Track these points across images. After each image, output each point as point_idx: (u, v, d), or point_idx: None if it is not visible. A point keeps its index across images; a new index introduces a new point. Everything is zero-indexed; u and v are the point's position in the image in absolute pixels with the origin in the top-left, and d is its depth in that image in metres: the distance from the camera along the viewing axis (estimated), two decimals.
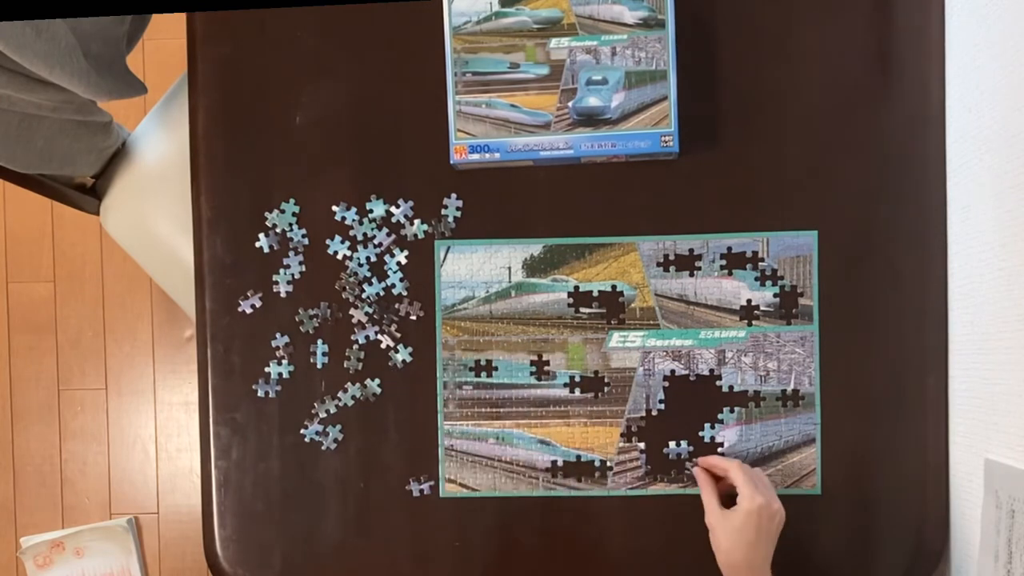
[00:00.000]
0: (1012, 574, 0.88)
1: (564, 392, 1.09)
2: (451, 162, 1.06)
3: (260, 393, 1.11)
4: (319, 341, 1.11)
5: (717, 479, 1.03)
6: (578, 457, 1.09)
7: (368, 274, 1.11)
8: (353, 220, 1.11)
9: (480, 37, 1.05)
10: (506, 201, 1.09)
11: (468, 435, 1.10)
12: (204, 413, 1.12)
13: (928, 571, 1.06)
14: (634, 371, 1.08)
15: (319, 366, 1.11)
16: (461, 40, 1.05)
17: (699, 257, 1.08)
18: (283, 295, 1.11)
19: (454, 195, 1.10)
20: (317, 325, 1.11)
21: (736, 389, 1.07)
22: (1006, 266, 0.91)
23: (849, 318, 1.07)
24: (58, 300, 2.03)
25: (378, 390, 1.10)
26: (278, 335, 1.11)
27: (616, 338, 1.08)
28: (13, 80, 1.11)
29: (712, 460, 1.04)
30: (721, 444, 1.07)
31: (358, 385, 1.10)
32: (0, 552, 2.03)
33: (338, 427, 1.10)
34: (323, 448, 1.11)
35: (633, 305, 1.08)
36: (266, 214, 1.11)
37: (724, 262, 1.08)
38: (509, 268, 1.09)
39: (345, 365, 1.10)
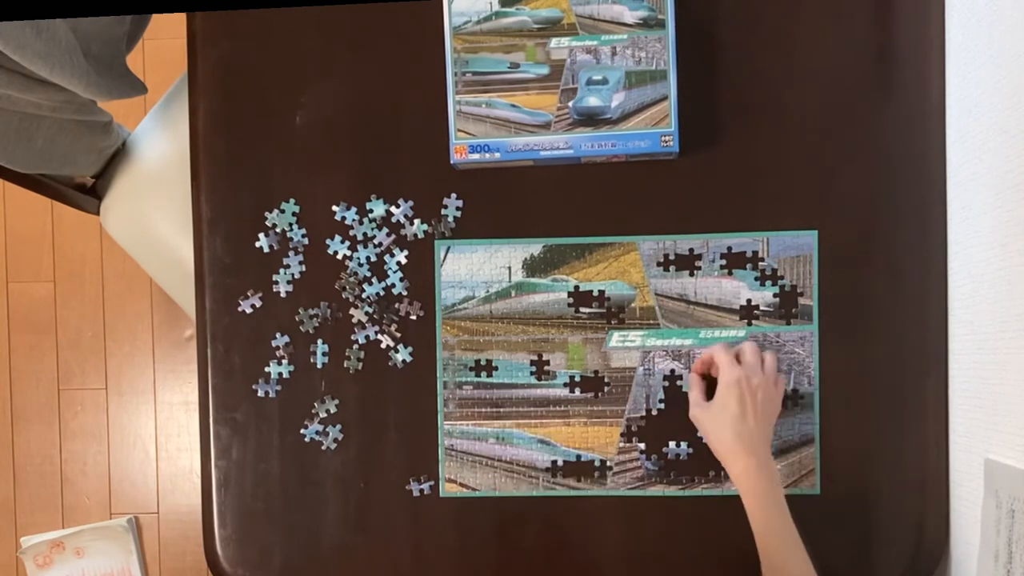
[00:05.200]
0: (1012, 574, 0.88)
1: (564, 392, 1.09)
2: (451, 162, 1.06)
3: (260, 393, 1.11)
4: (319, 341, 1.11)
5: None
6: (578, 457, 1.09)
7: (368, 274, 1.11)
8: (353, 220, 1.11)
9: (480, 37, 1.05)
10: (506, 201, 1.09)
11: (468, 435, 1.10)
12: (204, 413, 1.12)
13: (928, 571, 1.06)
14: (634, 371, 1.08)
15: (319, 366, 1.11)
16: (461, 40, 1.05)
17: (699, 257, 1.08)
18: (283, 295, 1.11)
19: (454, 195, 1.10)
20: (317, 325, 1.11)
21: None
22: (1006, 266, 0.91)
23: (849, 318, 1.07)
24: (58, 300, 2.03)
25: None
26: (278, 335, 1.11)
27: (616, 338, 1.08)
28: (13, 80, 1.11)
29: (701, 358, 1.04)
30: None
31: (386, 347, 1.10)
32: (0, 552, 2.03)
33: (338, 427, 1.10)
34: (323, 448, 1.11)
35: (633, 305, 1.08)
36: (266, 214, 1.11)
37: (724, 262, 1.08)
38: (509, 268, 1.09)
39: (345, 365, 1.10)
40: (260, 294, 1.11)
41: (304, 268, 1.11)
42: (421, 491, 1.10)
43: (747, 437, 0.96)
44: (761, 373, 0.99)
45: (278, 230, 1.12)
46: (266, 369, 1.11)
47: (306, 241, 1.11)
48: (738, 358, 1.01)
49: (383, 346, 1.10)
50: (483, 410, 1.10)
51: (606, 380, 1.09)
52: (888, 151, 1.06)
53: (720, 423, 0.97)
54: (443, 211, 1.10)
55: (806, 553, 0.95)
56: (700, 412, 1.00)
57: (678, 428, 1.08)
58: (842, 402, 1.07)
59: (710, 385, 1.03)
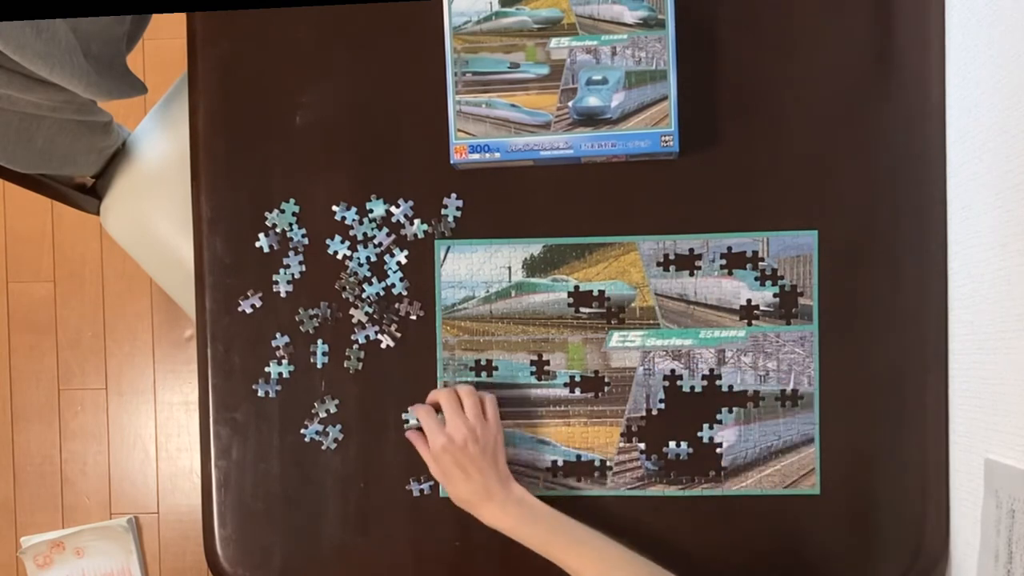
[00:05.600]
0: (1012, 574, 0.88)
1: (564, 392, 1.09)
2: (451, 162, 1.06)
3: (260, 393, 1.11)
4: (319, 341, 1.11)
5: None
6: (578, 457, 1.09)
7: (368, 274, 1.11)
8: (353, 220, 1.11)
9: (480, 37, 1.05)
10: (506, 201, 1.09)
11: None
12: (204, 413, 1.12)
13: (928, 571, 1.06)
14: (634, 371, 1.08)
15: (319, 366, 1.11)
16: (461, 40, 1.05)
17: (699, 257, 1.08)
18: (283, 295, 1.11)
19: (454, 195, 1.10)
20: (317, 325, 1.11)
21: (735, 389, 1.07)
22: (1006, 266, 0.91)
23: (849, 318, 1.07)
24: (58, 300, 2.03)
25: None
26: (278, 335, 1.11)
27: (616, 338, 1.08)
28: (13, 80, 1.11)
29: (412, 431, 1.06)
30: (720, 444, 1.07)
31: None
32: (0, 552, 2.03)
33: (338, 427, 1.10)
34: (323, 448, 1.11)
35: (633, 305, 1.08)
36: (266, 214, 1.11)
37: (724, 262, 1.08)
38: (509, 268, 1.09)
39: (345, 365, 1.10)
40: (260, 294, 1.11)
41: (304, 268, 1.11)
42: (421, 491, 1.10)
43: (479, 488, 1.00)
44: (461, 425, 1.01)
45: (278, 230, 1.12)
46: (266, 369, 1.11)
47: (306, 241, 1.11)
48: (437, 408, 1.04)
49: (383, 346, 1.10)
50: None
51: (606, 380, 1.09)
52: (888, 151, 1.06)
53: (451, 487, 1.02)
54: (443, 211, 1.10)
55: (602, 539, 0.99)
56: (434, 473, 1.04)
57: (678, 428, 1.08)
58: (842, 402, 1.07)
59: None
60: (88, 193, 1.43)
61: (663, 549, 1.09)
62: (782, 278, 1.07)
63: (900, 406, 1.06)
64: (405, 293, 1.10)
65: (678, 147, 1.03)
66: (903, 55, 1.06)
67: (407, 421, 1.09)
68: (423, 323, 1.10)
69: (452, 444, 1.00)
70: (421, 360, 1.10)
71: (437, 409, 1.04)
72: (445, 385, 1.10)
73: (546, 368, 1.09)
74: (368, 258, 1.11)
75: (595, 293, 1.09)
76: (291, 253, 1.11)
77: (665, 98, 1.03)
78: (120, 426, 2.03)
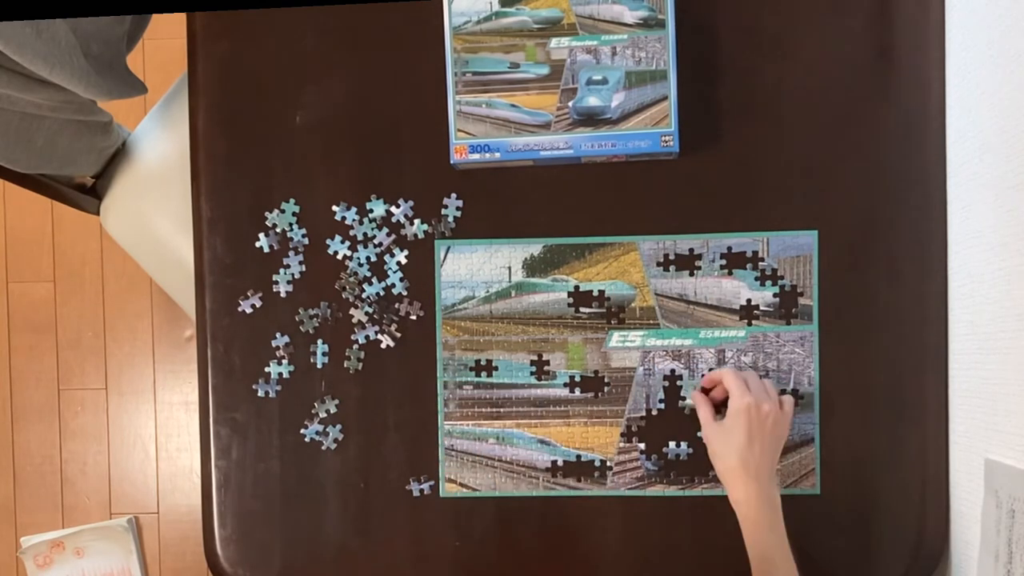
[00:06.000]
0: (1012, 574, 0.88)
1: (564, 392, 1.09)
2: (451, 162, 1.06)
3: (260, 393, 1.11)
4: (319, 341, 1.11)
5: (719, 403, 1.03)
6: (578, 457, 1.09)
7: (368, 274, 1.11)
8: (353, 220, 1.11)
9: (480, 37, 1.05)
10: (506, 201, 1.09)
11: (468, 435, 1.10)
12: (204, 413, 1.12)
13: (928, 571, 1.06)
14: (634, 371, 1.08)
15: (319, 366, 1.11)
16: (461, 40, 1.05)
17: (699, 257, 1.08)
18: (283, 295, 1.11)
19: (454, 195, 1.10)
20: (317, 325, 1.11)
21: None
22: (1006, 266, 0.91)
23: (849, 318, 1.07)
24: (58, 300, 2.03)
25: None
26: (278, 335, 1.11)
27: (616, 338, 1.08)
28: (13, 80, 1.11)
29: (708, 376, 1.04)
30: None
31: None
32: (0, 552, 2.03)
33: (338, 427, 1.10)
34: (323, 448, 1.11)
35: (633, 305, 1.08)
36: (266, 214, 1.11)
37: (724, 262, 1.08)
38: (509, 268, 1.09)
39: (345, 365, 1.10)
40: (260, 294, 1.11)
41: (304, 268, 1.11)
42: (421, 491, 1.10)
43: (752, 465, 0.96)
44: (770, 399, 0.98)
45: (278, 230, 1.12)
46: (266, 369, 1.11)
47: (306, 241, 1.11)
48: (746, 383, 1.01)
49: (383, 346, 1.10)
50: (483, 410, 1.10)
51: (606, 380, 1.09)
52: (888, 151, 1.06)
53: (727, 447, 0.97)
54: (443, 211, 1.10)
55: None
56: (709, 433, 1.00)
57: (678, 428, 1.08)
58: (842, 402, 1.07)
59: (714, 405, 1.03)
60: (88, 193, 1.43)
61: (663, 549, 1.09)
62: (782, 278, 1.07)
63: (900, 406, 1.06)
64: (405, 293, 1.10)
65: (678, 147, 1.03)
66: (903, 55, 1.06)
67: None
68: (423, 323, 1.10)
69: (756, 408, 0.96)
70: (421, 360, 1.10)
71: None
72: (445, 386, 1.10)
73: (546, 368, 1.09)
74: (368, 258, 1.11)
75: (595, 293, 1.09)
76: (291, 253, 1.11)
77: (665, 98, 1.03)
78: (120, 426, 2.03)
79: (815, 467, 1.07)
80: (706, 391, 1.05)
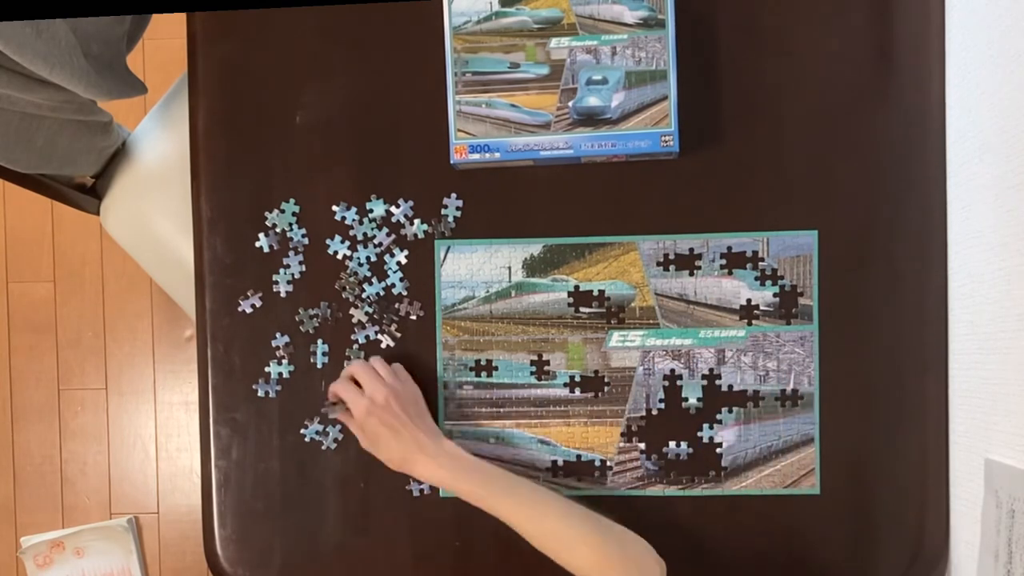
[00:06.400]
0: (1012, 574, 0.88)
1: (564, 392, 1.09)
2: (451, 162, 1.06)
3: (260, 393, 1.11)
4: (319, 341, 1.11)
5: None
6: (578, 457, 1.09)
7: (368, 274, 1.11)
8: (353, 220, 1.11)
9: (480, 37, 1.05)
10: (506, 201, 1.09)
11: (468, 435, 1.10)
12: (204, 413, 1.12)
13: (928, 571, 1.06)
14: (634, 371, 1.08)
15: (319, 366, 1.11)
16: (461, 40, 1.05)
17: (699, 256, 1.08)
18: (283, 295, 1.11)
19: (454, 195, 1.10)
20: (317, 325, 1.11)
21: (735, 389, 1.07)
22: (1006, 266, 0.91)
23: (849, 318, 1.07)
24: (58, 300, 2.03)
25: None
26: (278, 335, 1.11)
27: (616, 337, 1.08)
28: (13, 80, 1.11)
29: (333, 390, 1.06)
30: (720, 444, 1.07)
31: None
32: (0, 552, 2.03)
33: (338, 427, 1.10)
34: (323, 448, 1.11)
35: (633, 304, 1.08)
36: (266, 214, 1.11)
37: (724, 262, 1.08)
38: (509, 268, 1.09)
39: (345, 365, 1.10)
40: (260, 294, 1.11)
41: (304, 268, 1.11)
42: (421, 491, 1.10)
43: (410, 443, 1.00)
44: (380, 386, 1.02)
45: (278, 230, 1.12)
46: (266, 369, 1.11)
47: (306, 241, 1.11)
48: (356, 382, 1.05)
49: (383, 346, 1.10)
50: (483, 410, 1.10)
51: (606, 380, 1.09)
52: (888, 151, 1.06)
53: (384, 449, 1.02)
54: (443, 211, 1.10)
55: (533, 487, 1.00)
56: (367, 446, 1.04)
57: (678, 428, 1.08)
58: (842, 402, 1.07)
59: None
60: (88, 193, 1.43)
61: (663, 549, 1.09)
62: (782, 278, 1.07)
63: (900, 406, 1.06)
64: (405, 293, 1.10)
65: (678, 147, 1.03)
66: (903, 55, 1.06)
67: (328, 407, 1.07)
68: (423, 323, 1.10)
69: (375, 405, 1.01)
70: (421, 360, 1.10)
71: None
72: (445, 386, 1.10)
73: (546, 368, 1.09)
74: (368, 258, 1.11)
75: (595, 293, 1.09)
76: (291, 253, 1.11)
77: (665, 98, 1.03)
78: (120, 426, 2.03)
79: (815, 467, 1.07)
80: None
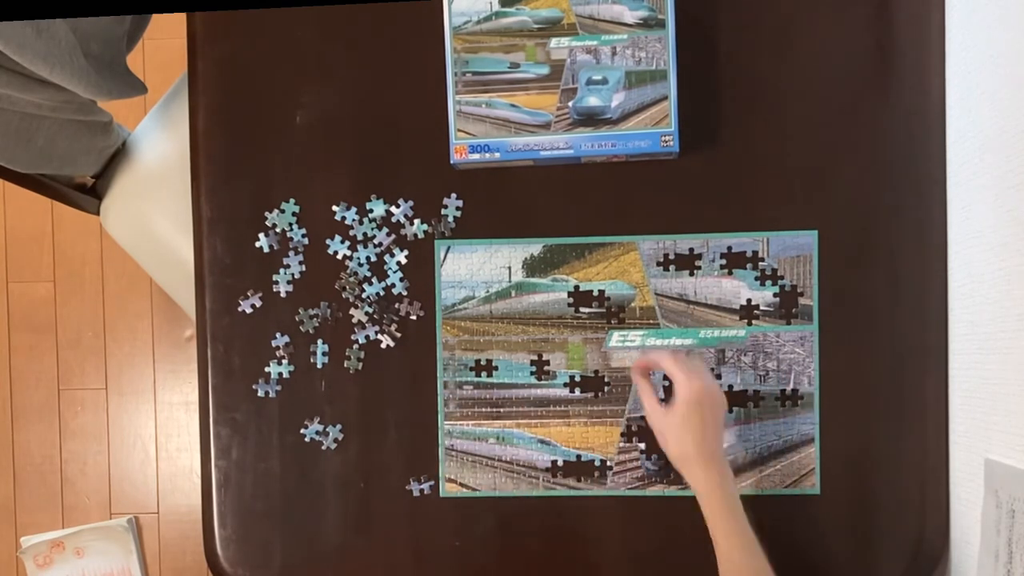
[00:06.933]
0: (1012, 574, 0.88)
1: (564, 392, 1.09)
2: (451, 162, 1.06)
3: (260, 393, 1.11)
4: (319, 341, 1.11)
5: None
6: (578, 457, 1.09)
7: (368, 274, 1.11)
8: (353, 220, 1.11)
9: (480, 37, 1.05)
10: (506, 201, 1.09)
11: (468, 435, 1.10)
12: (204, 413, 1.12)
13: (928, 571, 1.06)
14: None
15: (319, 366, 1.11)
16: (461, 40, 1.05)
17: (699, 256, 1.08)
18: (283, 295, 1.11)
19: (454, 195, 1.10)
20: (317, 325, 1.11)
21: (735, 388, 1.07)
22: (1006, 266, 0.91)
23: (849, 318, 1.07)
24: (58, 300, 2.03)
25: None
26: (278, 335, 1.11)
27: (616, 337, 1.08)
28: (13, 80, 1.11)
29: (644, 359, 1.03)
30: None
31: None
32: (0, 552, 2.03)
33: (338, 427, 1.10)
34: (323, 448, 1.11)
35: (633, 304, 1.08)
36: (266, 214, 1.11)
37: (724, 262, 1.08)
38: (509, 268, 1.09)
39: (345, 365, 1.10)
40: (260, 294, 1.11)
41: (304, 268, 1.11)
42: (421, 491, 1.10)
43: (708, 450, 0.96)
44: (713, 382, 0.98)
45: (278, 230, 1.12)
46: (266, 369, 1.11)
47: (306, 241, 1.11)
48: None
49: (383, 346, 1.10)
50: (483, 410, 1.10)
51: (606, 380, 1.09)
52: (888, 151, 1.06)
53: (681, 436, 0.96)
54: (443, 211, 1.10)
55: (765, 556, 0.95)
56: (659, 422, 0.99)
57: None
58: (842, 402, 1.07)
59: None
60: (88, 193, 1.43)
61: (663, 549, 1.09)
62: (782, 278, 1.07)
63: (900, 406, 1.06)
64: (405, 293, 1.10)
65: (678, 147, 1.03)
66: (903, 55, 1.06)
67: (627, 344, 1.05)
68: (423, 323, 1.10)
69: (707, 393, 0.96)
70: (421, 360, 1.10)
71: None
72: (445, 386, 1.10)
73: (546, 368, 1.09)
74: (368, 258, 1.11)
75: (595, 293, 1.09)
76: (291, 253, 1.11)
77: (665, 98, 1.03)
78: (120, 426, 2.03)
79: (815, 467, 1.07)
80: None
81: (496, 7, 1.04)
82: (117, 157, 1.41)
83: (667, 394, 1.08)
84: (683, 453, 0.96)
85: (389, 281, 1.10)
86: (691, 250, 1.08)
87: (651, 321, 1.08)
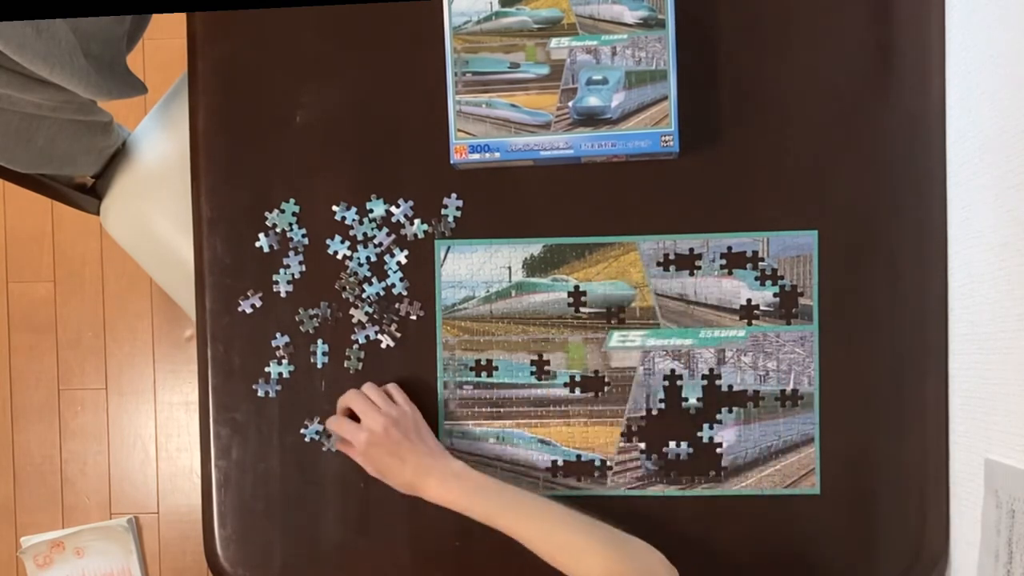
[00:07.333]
0: (1012, 574, 0.88)
1: (564, 392, 1.09)
2: (451, 162, 1.06)
3: (260, 393, 1.11)
4: (319, 341, 1.11)
5: None
6: (578, 457, 1.09)
7: (368, 274, 1.11)
8: (353, 220, 1.11)
9: (480, 37, 1.05)
10: (506, 201, 1.10)
11: (468, 435, 1.10)
12: (204, 413, 1.12)
13: (928, 571, 1.06)
14: (634, 370, 1.08)
15: (319, 366, 1.11)
16: (461, 40, 1.05)
17: (699, 256, 1.08)
18: (283, 295, 1.11)
19: (454, 195, 1.10)
20: (317, 325, 1.11)
21: (735, 389, 1.07)
22: (1006, 266, 0.91)
23: (849, 318, 1.07)
24: (58, 300, 2.03)
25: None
26: (278, 335, 1.11)
27: (616, 337, 1.08)
28: (13, 80, 1.11)
29: (340, 405, 1.06)
30: (720, 444, 1.07)
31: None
32: (0, 552, 2.03)
33: None
34: (323, 448, 1.11)
35: (633, 305, 1.08)
36: (266, 214, 1.11)
37: (724, 262, 1.08)
38: (509, 268, 1.09)
39: (345, 365, 1.10)
40: (260, 294, 1.11)
41: (304, 268, 1.11)
42: None
43: (415, 468, 1.01)
44: (376, 415, 1.02)
45: (278, 230, 1.12)
46: (266, 369, 1.11)
47: (306, 241, 1.11)
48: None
49: (383, 346, 1.10)
50: (483, 410, 1.10)
51: (606, 380, 1.09)
52: (888, 151, 1.06)
53: (393, 477, 1.02)
54: (443, 211, 1.10)
55: (541, 501, 0.99)
56: (375, 475, 1.04)
57: (678, 428, 1.08)
58: (842, 402, 1.07)
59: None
60: (88, 193, 1.43)
61: (663, 549, 1.09)
62: (782, 278, 1.07)
63: (900, 406, 1.06)
64: (405, 293, 1.10)
65: (678, 147, 1.03)
66: (903, 55, 1.06)
67: (325, 437, 1.10)
68: (423, 323, 1.10)
69: (375, 435, 1.01)
70: (421, 360, 1.10)
71: (351, 416, 1.06)
72: (445, 386, 1.10)
73: (546, 368, 1.09)
74: (368, 258, 1.11)
75: (589, 297, 1.09)
76: (291, 253, 1.11)
77: (665, 98, 1.03)
78: (120, 426, 2.03)
79: (815, 467, 1.07)
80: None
81: (496, 7, 1.04)
82: (117, 157, 1.41)
83: (667, 394, 1.08)
84: (406, 483, 1.02)
85: (389, 281, 1.10)
86: (691, 250, 1.08)
87: (651, 321, 1.08)
